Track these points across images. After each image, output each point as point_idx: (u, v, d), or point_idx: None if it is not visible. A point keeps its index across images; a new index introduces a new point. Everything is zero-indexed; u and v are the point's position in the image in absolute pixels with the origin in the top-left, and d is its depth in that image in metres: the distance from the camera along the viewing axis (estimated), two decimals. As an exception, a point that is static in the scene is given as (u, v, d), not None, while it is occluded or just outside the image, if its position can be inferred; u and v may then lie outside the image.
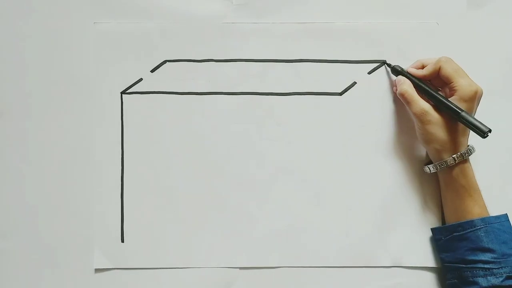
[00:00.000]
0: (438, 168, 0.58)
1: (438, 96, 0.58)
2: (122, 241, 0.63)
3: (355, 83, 0.64)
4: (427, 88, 0.59)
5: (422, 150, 0.63)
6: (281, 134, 0.63)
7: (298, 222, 0.63)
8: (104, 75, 0.64)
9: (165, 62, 0.64)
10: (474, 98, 0.57)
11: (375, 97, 0.63)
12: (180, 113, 0.63)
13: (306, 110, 0.63)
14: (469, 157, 0.58)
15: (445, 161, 0.57)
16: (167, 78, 0.64)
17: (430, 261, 0.62)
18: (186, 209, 0.63)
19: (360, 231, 0.63)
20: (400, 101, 0.62)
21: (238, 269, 0.63)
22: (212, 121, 0.63)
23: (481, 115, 0.63)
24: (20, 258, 0.63)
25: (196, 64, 0.64)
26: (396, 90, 0.61)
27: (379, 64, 0.63)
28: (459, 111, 0.56)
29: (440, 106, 0.58)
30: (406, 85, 0.59)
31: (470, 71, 0.63)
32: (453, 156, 0.57)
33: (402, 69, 0.61)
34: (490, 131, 0.54)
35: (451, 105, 0.57)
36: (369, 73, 0.64)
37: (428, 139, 0.58)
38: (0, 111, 0.64)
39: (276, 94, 0.63)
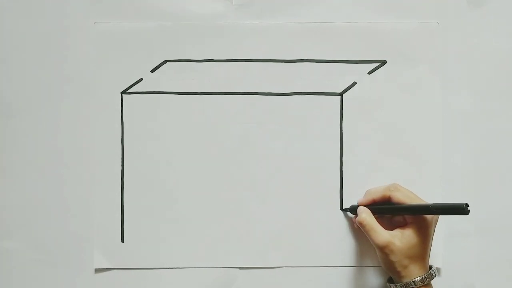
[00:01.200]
0: None
1: (403, 206, 0.57)
2: (122, 241, 0.63)
3: (355, 83, 0.64)
4: (389, 206, 0.58)
5: (423, 151, 0.63)
6: (281, 134, 0.63)
7: (298, 222, 0.63)
8: (104, 75, 0.64)
9: (165, 62, 0.64)
10: (431, 222, 0.57)
11: (375, 97, 0.63)
12: (180, 113, 0.63)
13: (306, 110, 0.63)
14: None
15: (406, 284, 0.56)
16: (167, 78, 0.64)
17: (431, 261, 0.62)
18: (186, 209, 0.63)
19: (360, 231, 0.63)
20: (400, 101, 0.62)
21: (238, 269, 0.63)
22: (212, 121, 0.63)
23: (481, 115, 0.63)
24: (20, 258, 0.63)
25: (196, 64, 0.63)
26: (357, 227, 0.61)
27: (379, 64, 0.63)
28: (428, 205, 0.55)
29: (410, 213, 0.57)
30: (365, 213, 0.58)
31: (470, 71, 0.64)
32: (414, 280, 0.56)
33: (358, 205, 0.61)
34: (467, 204, 0.51)
35: (418, 205, 0.56)
36: (369, 73, 0.64)
37: (391, 267, 0.57)
38: None
39: (276, 94, 0.63)
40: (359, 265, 0.63)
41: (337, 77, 0.63)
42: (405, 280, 0.56)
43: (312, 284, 0.63)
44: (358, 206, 0.61)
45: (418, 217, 0.56)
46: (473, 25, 0.64)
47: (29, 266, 0.63)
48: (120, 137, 0.64)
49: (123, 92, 0.64)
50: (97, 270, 0.63)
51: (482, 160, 0.63)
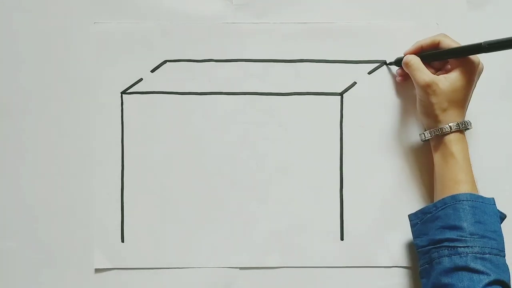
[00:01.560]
0: (433, 134, 0.58)
1: (453, 48, 0.57)
2: (122, 241, 0.63)
3: (355, 83, 0.64)
4: (438, 51, 0.59)
5: (422, 151, 0.63)
6: (281, 134, 0.63)
7: (297, 222, 0.63)
8: (104, 75, 0.64)
9: (165, 62, 0.64)
10: (476, 69, 0.57)
11: (375, 97, 0.63)
12: (180, 113, 0.63)
13: (306, 110, 0.63)
14: (467, 133, 0.58)
15: (441, 128, 0.57)
16: (167, 78, 0.64)
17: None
18: (186, 209, 0.63)
19: (360, 231, 0.63)
20: (400, 101, 0.63)
21: (238, 269, 0.63)
22: (212, 121, 0.63)
23: (481, 115, 0.63)
24: (20, 258, 0.63)
25: (196, 64, 0.63)
26: (400, 79, 0.62)
27: (379, 64, 0.63)
28: (480, 43, 0.54)
29: (461, 55, 0.57)
30: (412, 56, 0.59)
31: (470, 71, 0.64)
32: (450, 124, 0.57)
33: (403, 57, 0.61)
34: None
35: (469, 45, 0.56)
36: (369, 73, 0.64)
37: (429, 109, 0.58)
38: None
39: (276, 94, 0.64)
40: (359, 266, 0.63)
41: (337, 77, 0.63)
42: (441, 125, 0.57)
43: (312, 284, 0.63)
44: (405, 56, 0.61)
45: (463, 62, 0.57)
46: (473, 26, 0.64)
47: (29, 266, 0.63)
48: (120, 137, 0.64)
49: (123, 92, 0.64)
50: (97, 270, 0.63)
51: (482, 160, 0.63)
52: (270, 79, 0.64)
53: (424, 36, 0.62)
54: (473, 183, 0.56)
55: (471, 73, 0.57)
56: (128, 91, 0.64)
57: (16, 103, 0.64)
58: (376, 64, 0.64)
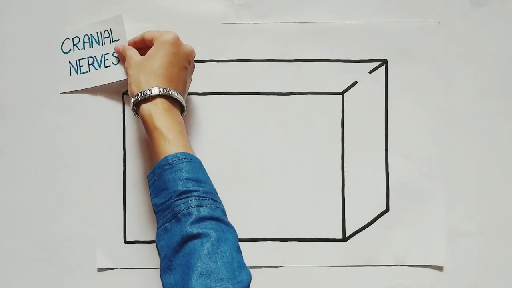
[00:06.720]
0: (137, 98, 0.56)
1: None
2: (125, 241, 0.63)
3: (356, 82, 0.63)
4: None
5: (423, 150, 0.63)
6: (282, 134, 0.63)
7: (299, 221, 0.63)
8: (105, 75, 0.64)
9: (165, 62, 0.64)
10: (165, 41, 0.58)
11: (376, 96, 0.63)
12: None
13: (307, 110, 0.63)
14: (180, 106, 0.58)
15: (142, 92, 0.56)
16: (168, 78, 0.64)
17: (434, 260, 0.62)
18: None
19: (362, 230, 0.63)
20: (400, 100, 0.63)
21: (239, 269, 0.63)
22: (212, 121, 0.64)
23: (481, 115, 0.63)
24: (23, 258, 0.63)
25: (196, 64, 0.63)
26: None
27: (380, 63, 0.63)
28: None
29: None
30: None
31: (471, 70, 0.63)
32: (150, 89, 0.56)
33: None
34: None
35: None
36: (370, 72, 0.63)
37: (130, 83, 0.58)
38: (0, 111, 0.64)
39: (277, 94, 0.63)
40: (361, 265, 0.63)
41: (338, 77, 0.63)
42: (142, 90, 0.57)
43: (314, 284, 0.63)
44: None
45: (156, 39, 0.58)
46: (474, 25, 0.64)
47: (32, 265, 0.63)
48: (122, 137, 0.64)
49: (125, 93, 0.64)
50: (100, 270, 0.63)
51: (483, 160, 0.63)
52: (271, 79, 0.64)
53: (425, 36, 0.62)
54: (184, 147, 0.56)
55: (162, 44, 0.57)
56: (129, 91, 0.64)
57: (16, 103, 0.64)
58: (377, 63, 0.63)
